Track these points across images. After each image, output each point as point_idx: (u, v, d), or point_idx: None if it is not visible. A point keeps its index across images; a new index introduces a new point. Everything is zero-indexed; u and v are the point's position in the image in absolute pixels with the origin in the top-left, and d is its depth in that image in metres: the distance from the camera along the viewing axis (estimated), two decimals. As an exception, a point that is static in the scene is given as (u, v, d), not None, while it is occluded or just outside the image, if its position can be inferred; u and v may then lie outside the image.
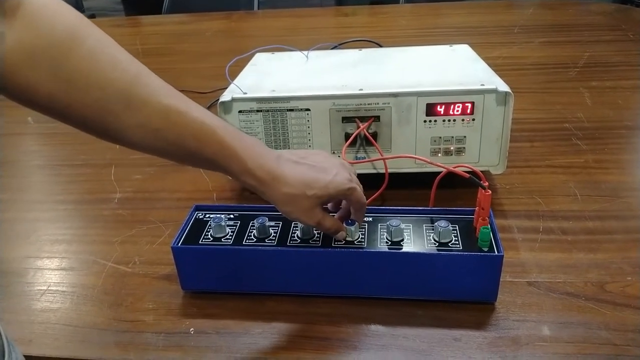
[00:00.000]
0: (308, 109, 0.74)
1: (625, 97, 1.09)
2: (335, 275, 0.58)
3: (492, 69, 0.79)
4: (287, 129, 0.75)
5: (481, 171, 0.57)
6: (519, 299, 0.58)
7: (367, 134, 0.73)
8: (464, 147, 0.74)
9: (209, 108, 1.09)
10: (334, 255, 0.57)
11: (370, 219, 0.62)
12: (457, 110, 0.71)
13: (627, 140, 0.93)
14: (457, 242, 0.57)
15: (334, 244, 0.58)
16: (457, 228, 0.59)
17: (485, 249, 0.56)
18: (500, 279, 0.56)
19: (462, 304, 0.58)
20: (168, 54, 1.62)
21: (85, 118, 0.43)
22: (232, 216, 0.63)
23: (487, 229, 0.55)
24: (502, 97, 0.70)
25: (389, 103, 0.72)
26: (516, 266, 0.63)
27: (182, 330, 0.57)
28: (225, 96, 0.75)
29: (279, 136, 0.75)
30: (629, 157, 0.89)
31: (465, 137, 0.73)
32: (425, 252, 0.56)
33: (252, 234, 0.60)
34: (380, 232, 0.60)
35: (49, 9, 0.41)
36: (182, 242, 0.60)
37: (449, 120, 0.72)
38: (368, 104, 0.72)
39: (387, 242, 0.58)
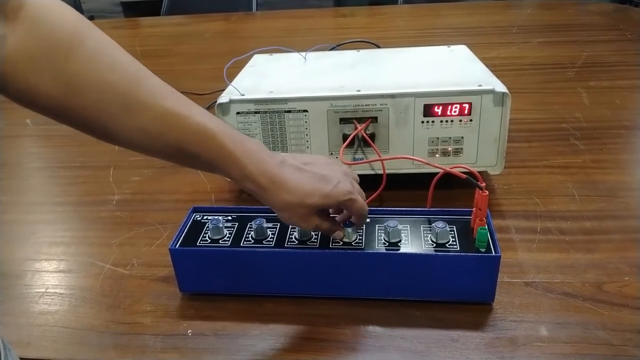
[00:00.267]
0: (306, 110, 0.74)
1: (623, 97, 1.09)
2: (333, 277, 0.58)
3: (490, 70, 0.79)
4: (285, 131, 0.75)
5: (479, 172, 0.57)
6: (516, 300, 0.58)
7: (364, 135, 0.73)
8: (462, 148, 0.74)
9: (207, 110, 1.10)
10: (331, 257, 0.57)
11: (368, 220, 0.62)
12: (455, 111, 0.72)
13: (625, 140, 0.93)
14: (454, 243, 0.57)
15: (332, 245, 0.58)
16: (455, 229, 0.59)
17: (483, 250, 0.56)
18: (498, 280, 0.56)
19: (459, 305, 0.58)
20: (167, 55, 1.62)
21: (86, 120, 0.43)
22: (229, 218, 0.63)
23: (485, 229, 0.56)
24: (500, 98, 0.70)
25: (386, 104, 0.72)
26: (514, 266, 0.63)
27: (180, 332, 0.57)
28: (223, 98, 0.75)
29: (277, 137, 0.76)
30: (627, 157, 0.89)
31: (462, 137, 0.73)
32: (422, 253, 0.56)
33: (249, 236, 0.60)
34: (378, 233, 0.60)
35: (50, 11, 0.41)
36: (179, 244, 0.60)
37: (447, 121, 0.72)
38: (366, 105, 0.72)
39: (384, 243, 0.58)
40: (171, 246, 0.59)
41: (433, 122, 0.72)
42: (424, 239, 0.58)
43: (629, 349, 0.51)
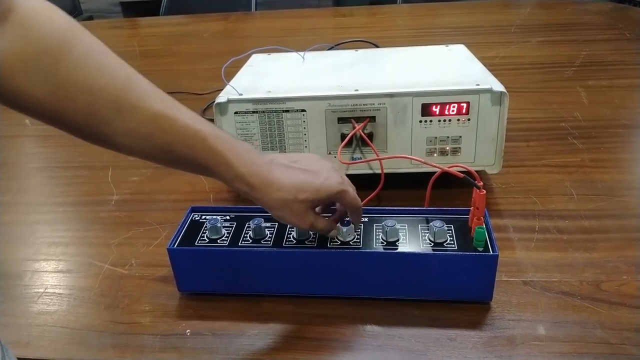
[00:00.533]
0: (304, 110, 0.74)
1: (622, 96, 1.09)
2: (331, 276, 0.58)
3: (488, 69, 0.79)
4: (283, 130, 0.75)
5: (477, 171, 0.57)
6: (514, 299, 0.58)
7: (362, 134, 0.73)
8: (460, 147, 0.74)
9: (206, 109, 1.11)
10: (329, 256, 0.57)
11: (366, 219, 0.62)
12: (453, 110, 0.72)
13: (624, 139, 0.93)
14: (452, 242, 0.57)
15: (330, 244, 0.58)
16: (453, 228, 0.59)
17: (480, 249, 0.56)
18: (496, 279, 0.56)
19: (457, 304, 0.58)
20: (166, 55, 1.62)
21: (77, 124, 0.43)
22: (228, 217, 0.64)
23: (482, 228, 0.56)
24: (497, 97, 0.70)
25: (384, 103, 0.72)
26: (512, 265, 0.63)
27: (179, 332, 0.57)
28: (221, 97, 0.75)
29: (275, 137, 0.76)
30: (626, 156, 0.89)
31: (460, 137, 0.73)
32: (420, 252, 0.56)
33: (248, 235, 0.60)
34: (376, 232, 0.60)
35: (40, 15, 0.41)
36: (178, 244, 0.60)
37: (445, 121, 0.72)
38: (364, 105, 0.72)
39: (382, 243, 0.58)
40: (169, 246, 0.59)
41: (431, 121, 0.73)
42: (422, 238, 0.58)
43: (627, 347, 0.51)
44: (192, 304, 0.61)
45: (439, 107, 0.72)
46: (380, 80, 0.77)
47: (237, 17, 2.03)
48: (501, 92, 0.70)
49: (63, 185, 0.93)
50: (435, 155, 0.75)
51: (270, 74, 0.85)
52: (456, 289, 0.57)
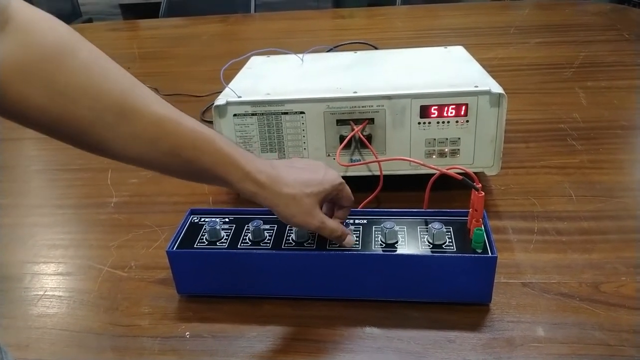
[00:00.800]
0: (302, 112, 0.74)
1: (621, 97, 1.09)
2: (330, 278, 0.58)
3: (487, 70, 0.79)
4: (282, 132, 0.75)
5: (476, 173, 0.57)
6: (513, 300, 0.58)
7: (361, 136, 0.73)
8: (459, 149, 0.74)
9: (205, 111, 1.11)
10: (328, 258, 0.58)
11: (365, 221, 0.62)
12: (451, 112, 0.72)
13: (623, 140, 0.94)
14: (451, 244, 0.57)
15: (329, 246, 0.58)
16: (451, 230, 0.59)
17: (479, 251, 0.56)
18: (495, 280, 0.56)
19: (456, 306, 0.58)
20: (165, 57, 1.62)
21: (78, 130, 0.43)
22: (227, 220, 0.64)
23: (481, 230, 0.56)
24: (496, 99, 0.70)
25: (383, 105, 0.72)
26: (511, 267, 0.63)
27: (178, 334, 0.57)
28: (220, 100, 0.75)
29: (274, 139, 0.76)
30: (624, 157, 0.89)
31: (459, 138, 0.73)
32: (419, 254, 0.57)
33: (247, 238, 0.61)
34: (375, 234, 0.60)
35: (38, 22, 0.41)
36: (177, 246, 0.60)
37: (443, 122, 0.72)
38: (362, 107, 0.73)
39: (381, 245, 0.58)
40: (168, 248, 0.59)
41: (429, 123, 0.73)
42: (421, 240, 0.58)
43: (626, 349, 0.51)
44: (192, 306, 0.61)
45: (437, 109, 0.72)
46: (378, 82, 0.77)
47: (236, 19, 2.04)
48: (500, 94, 0.70)
49: (63, 187, 0.93)
50: (434, 157, 0.75)
51: (269, 76, 0.85)
52: (455, 291, 0.57)
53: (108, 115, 0.43)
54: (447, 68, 0.83)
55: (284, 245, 0.59)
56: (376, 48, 1.10)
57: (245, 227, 0.62)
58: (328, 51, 1.08)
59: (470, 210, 0.58)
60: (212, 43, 1.75)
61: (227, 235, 0.61)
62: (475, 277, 0.56)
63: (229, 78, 0.82)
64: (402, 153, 0.74)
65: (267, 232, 0.61)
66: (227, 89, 0.77)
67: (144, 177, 0.90)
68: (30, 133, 0.44)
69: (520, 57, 1.36)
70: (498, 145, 0.73)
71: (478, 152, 0.74)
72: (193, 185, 0.85)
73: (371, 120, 0.73)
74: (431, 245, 0.57)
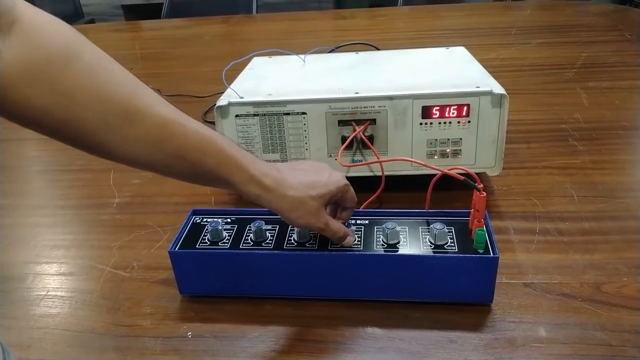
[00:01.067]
0: (304, 113, 0.74)
1: (623, 98, 1.09)
2: (332, 278, 0.58)
3: (488, 71, 0.79)
4: (284, 133, 0.75)
5: (477, 173, 0.57)
6: (515, 301, 0.58)
7: (363, 137, 0.73)
8: (460, 150, 0.74)
9: (207, 112, 1.11)
10: (330, 259, 0.58)
11: (367, 221, 0.62)
12: (453, 113, 0.72)
13: (624, 140, 0.94)
14: (452, 244, 0.57)
15: (331, 247, 0.58)
16: (453, 230, 0.59)
17: (481, 251, 0.56)
18: (497, 281, 0.56)
19: (458, 306, 0.58)
20: (167, 58, 1.62)
21: (80, 132, 0.43)
22: (229, 220, 0.64)
23: (483, 230, 0.56)
24: (498, 99, 0.70)
25: (384, 106, 0.72)
26: (512, 267, 0.63)
27: (180, 335, 0.57)
28: (222, 100, 0.75)
29: (276, 140, 0.76)
30: (626, 158, 0.89)
31: (461, 139, 0.73)
32: (421, 254, 0.57)
33: (249, 238, 0.61)
34: (377, 234, 0.60)
35: (44, 25, 0.41)
36: (179, 247, 0.60)
37: (445, 123, 0.72)
38: (364, 107, 0.73)
39: (383, 245, 0.58)
40: (170, 249, 0.59)
41: (431, 123, 0.73)
42: (423, 240, 0.58)
43: (627, 349, 0.51)
44: (194, 306, 0.61)
45: (439, 109, 0.72)
46: (380, 83, 0.77)
47: (238, 19, 2.04)
48: (501, 94, 0.70)
49: (64, 188, 0.93)
50: (435, 157, 0.75)
51: (271, 77, 0.85)
52: (457, 291, 0.57)
53: (112, 118, 0.43)
54: (448, 68, 0.84)
55: (286, 246, 0.59)
56: (378, 49, 1.10)
57: (247, 228, 0.62)
58: (330, 52, 1.08)
59: (471, 210, 0.58)
60: (214, 44, 1.75)
61: (229, 236, 0.61)
62: (476, 278, 0.56)
63: (231, 79, 0.82)
64: (404, 153, 0.74)
65: (269, 233, 0.61)
66: (229, 89, 0.78)
67: (146, 177, 0.90)
68: (31, 134, 0.44)
69: (522, 57, 1.36)
70: (500, 145, 0.73)
71: (480, 152, 0.74)
72: (195, 186, 0.84)
73: (373, 121, 0.73)
74: (433, 246, 0.57)
